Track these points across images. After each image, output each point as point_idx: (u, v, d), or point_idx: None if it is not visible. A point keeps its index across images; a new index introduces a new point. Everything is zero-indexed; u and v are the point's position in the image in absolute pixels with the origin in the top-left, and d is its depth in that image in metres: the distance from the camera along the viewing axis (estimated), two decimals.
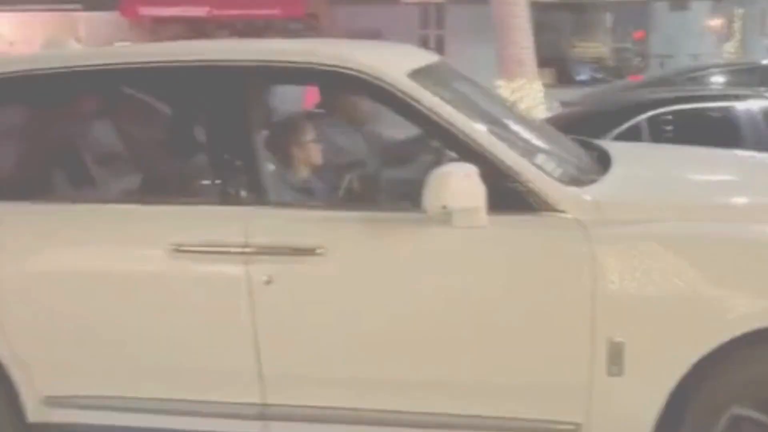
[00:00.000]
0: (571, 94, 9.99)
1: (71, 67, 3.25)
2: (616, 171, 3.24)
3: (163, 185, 3.40)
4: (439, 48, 16.22)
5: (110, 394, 3.13)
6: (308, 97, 3.96)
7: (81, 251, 3.11)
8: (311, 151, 3.47)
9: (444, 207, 2.73)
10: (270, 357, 2.99)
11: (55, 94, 3.30)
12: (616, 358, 2.76)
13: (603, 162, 3.37)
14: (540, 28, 13.82)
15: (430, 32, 17.34)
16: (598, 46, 18.05)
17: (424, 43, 15.84)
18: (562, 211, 2.83)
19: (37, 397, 3.17)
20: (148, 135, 3.66)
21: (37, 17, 18.68)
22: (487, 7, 9.88)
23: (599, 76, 16.65)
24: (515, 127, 3.44)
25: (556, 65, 15.56)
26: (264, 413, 3.04)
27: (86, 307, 3.09)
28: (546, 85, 10.17)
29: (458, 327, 2.88)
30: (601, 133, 5.41)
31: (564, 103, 7.23)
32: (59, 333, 3.12)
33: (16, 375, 3.16)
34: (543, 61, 10.62)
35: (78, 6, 19.21)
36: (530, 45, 9.74)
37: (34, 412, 3.19)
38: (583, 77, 16.77)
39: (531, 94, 9.91)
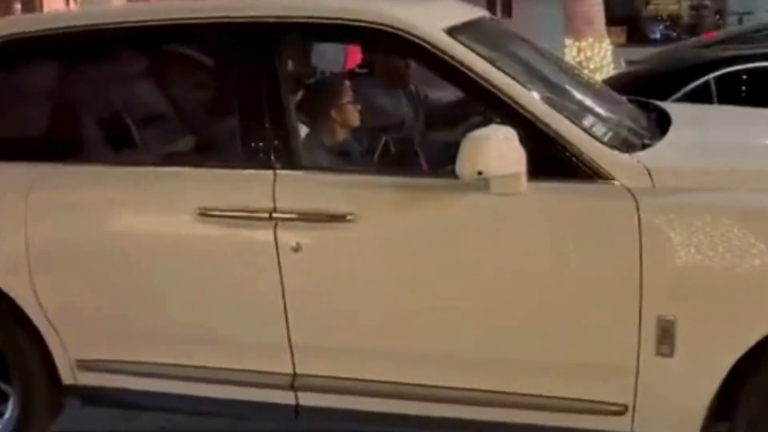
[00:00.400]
0: (642, 53, 9.60)
1: (96, 25, 3.14)
2: (674, 135, 3.01)
3: (191, 146, 3.31)
4: (506, 7, 15.84)
5: (138, 359, 3.07)
6: (350, 56, 3.79)
7: (107, 215, 3.04)
8: (348, 113, 3.31)
9: (480, 173, 2.56)
10: (298, 326, 2.88)
11: (80, 53, 3.21)
12: (666, 337, 2.57)
13: (662, 125, 3.14)
14: None
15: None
16: (672, 3, 17.37)
17: (491, 3, 15.46)
18: (610, 178, 2.64)
19: (69, 360, 3.15)
20: (175, 95, 3.55)
21: None
22: None
23: (674, 34, 16.04)
24: (565, 88, 3.23)
25: (628, 23, 15.06)
26: (295, 383, 2.94)
27: (112, 272, 3.02)
28: (617, 44, 9.83)
29: (496, 301, 2.72)
30: (668, 93, 5.11)
31: (630, 62, 6.87)
32: (87, 297, 3.07)
33: (50, 338, 3.13)
34: (615, 20, 10.28)
35: None
36: (599, 2, 9.44)
37: (67, 375, 3.17)
38: (656, 36, 16.20)
39: (599, 53, 9.62)
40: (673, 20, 17.15)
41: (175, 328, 3.02)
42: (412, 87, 3.91)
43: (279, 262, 2.83)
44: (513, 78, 2.76)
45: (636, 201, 2.58)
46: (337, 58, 3.71)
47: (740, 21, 15.29)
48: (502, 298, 2.71)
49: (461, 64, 2.75)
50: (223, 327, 2.96)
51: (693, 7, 17.42)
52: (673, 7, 17.31)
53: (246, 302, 2.93)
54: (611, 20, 9.89)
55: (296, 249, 2.81)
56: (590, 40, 9.57)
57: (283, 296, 2.85)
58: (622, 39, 13.97)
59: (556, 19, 9.71)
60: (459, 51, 2.77)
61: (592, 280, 2.62)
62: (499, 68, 2.77)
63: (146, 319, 3.03)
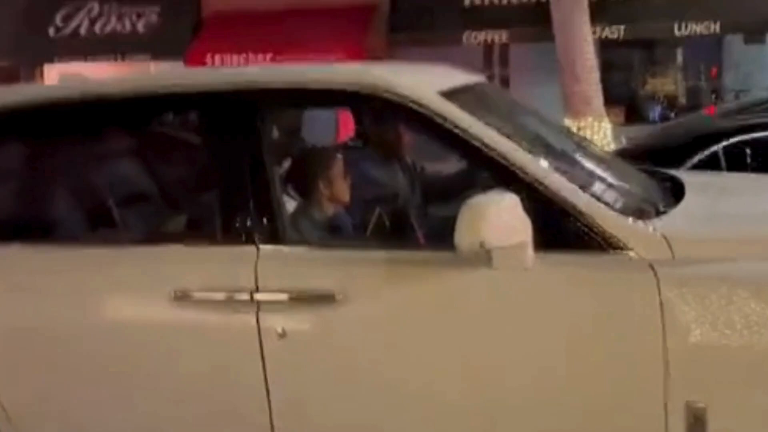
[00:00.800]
0: (641, 132, 9.54)
1: (55, 99, 2.93)
2: (690, 202, 2.76)
3: (167, 223, 3.09)
4: (504, 87, 15.86)
5: None
6: (343, 127, 3.58)
7: (72, 301, 2.76)
8: (338, 185, 3.08)
9: (481, 244, 2.30)
10: (283, 419, 2.60)
11: (45, 127, 2.98)
12: (697, 426, 2.28)
13: (676, 194, 2.92)
14: (609, 67, 13.33)
15: (494, 72, 16.98)
16: (669, 83, 17.44)
17: None
18: (625, 249, 2.38)
19: None
20: (150, 169, 3.32)
21: (109, 68, 19.03)
22: (551, 45, 9.61)
23: (671, 114, 16.02)
24: (572, 155, 3.02)
25: (625, 103, 15.04)
26: None
27: (78, 364, 2.75)
28: (615, 124, 9.73)
29: (499, 391, 2.45)
30: (674, 165, 4.90)
31: (631, 139, 6.73)
32: (51, 392, 2.79)
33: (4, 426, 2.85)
34: (613, 100, 10.21)
35: (147, 56, 19.50)
36: (597, 83, 9.41)
37: None
38: (654, 116, 16.18)
39: (599, 133, 9.51)
40: (670, 100, 17.18)
41: (149, 424, 2.73)
42: (408, 158, 3.69)
43: (262, 350, 2.56)
44: (515, 142, 2.54)
45: (655, 273, 2.32)
46: (329, 128, 3.51)
47: (737, 98, 15.30)
48: (505, 388, 2.44)
49: (458, 128, 2.53)
50: (201, 425, 2.68)
51: (689, 88, 17.48)
52: (670, 87, 17.37)
53: (226, 396, 2.65)
54: (609, 100, 9.81)
55: (282, 335, 2.54)
56: (589, 119, 9.47)
57: (267, 388, 2.59)
58: (621, 118, 13.90)
59: (554, 99, 9.61)
60: (456, 114, 2.55)
61: (609, 366, 2.36)
62: (499, 132, 2.55)
63: (117, 416, 2.75)
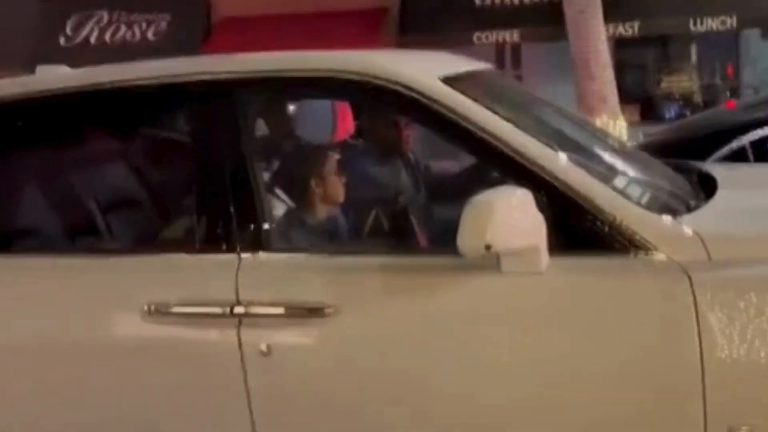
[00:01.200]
0: (657, 130, 9.28)
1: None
2: (723, 196, 2.46)
3: (140, 229, 2.79)
4: None
5: None
6: (341, 123, 3.27)
7: (37, 315, 2.49)
8: (332, 185, 2.77)
9: (488, 247, 2.00)
10: None
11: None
12: None
13: (707, 188, 2.63)
14: (623, 65, 13.02)
15: (506, 72, 16.73)
16: (685, 80, 17.12)
17: None
18: (653, 250, 2.08)
19: None
20: (119, 168, 3.00)
21: None
22: (563, 44, 9.40)
23: (687, 112, 15.70)
24: (590, 146, 2.72)
25: (640, 102, 14.73)
26: None
27: (43, 383, 2.47)
28: (630, 122, 9.42)
29: (508, 415, 2.15)
30: (696, 160, 4.59)
31: (649, 135, 6.42)
32: (12, 415, 2.50)
33: None
34: (627, 99, 9.92)
35: None
36: (612, 80, 9.16)
37: None
38: (670, 114, 15.87)
39: (614, 132, 9.23)
40: (686, 98, 16.88)
41: None
42: (409, 153, 3.38)
43: (244, 371, 2.28)
44: (527, 132, 2.24)
45: (689, 278, 2.02)
46: (324, 124, 3.19)
47: (756, 94, 15.00)
48: (515, 412, 2.14)
49: (463, 117, 2.23)
50: None
51: (706, 85, 17.17)
52: (686, 85, 17.06)
53: (206, 418, 2.37)
54: (624, 99, 9.56)
55: (266, 353, 2.25)
56: (604, 118, 9.20)
57: (250, 410, 2.31)
58: (636, 117, 13.61)
59: (568, 98, 9.31)
60: (460, 102, 2.26)
61: (638, 388, 2.06)
62: (509, 121, 2.24)
63: None
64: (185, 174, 2.60)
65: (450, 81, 2.34)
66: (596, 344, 2.07)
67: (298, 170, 2.80)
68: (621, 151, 2.89)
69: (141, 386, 2.39)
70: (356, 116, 3.26)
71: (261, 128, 2.97)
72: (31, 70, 2.96)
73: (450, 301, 2.17)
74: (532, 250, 2.05)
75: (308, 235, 2.68)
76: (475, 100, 2.28)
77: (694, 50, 17.35)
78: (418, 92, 2.26)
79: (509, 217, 2.00)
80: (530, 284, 2.09)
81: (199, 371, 2.34)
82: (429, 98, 2.25)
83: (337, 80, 2.36)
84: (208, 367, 2.33)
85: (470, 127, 2.22)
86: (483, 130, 2.20)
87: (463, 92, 2.29)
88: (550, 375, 2.10)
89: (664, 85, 16.91)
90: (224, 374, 2.31)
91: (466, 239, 2.02)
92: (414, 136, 3.28)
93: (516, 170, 2.18)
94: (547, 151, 2.21)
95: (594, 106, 9.06)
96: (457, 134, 2.26)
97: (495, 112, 2.26)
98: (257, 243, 2.36)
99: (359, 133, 3.31)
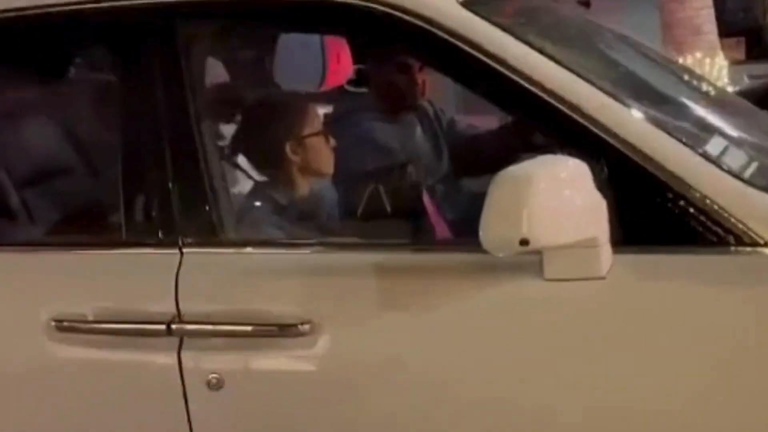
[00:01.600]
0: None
1: None
2: None
3: (45, 213, 2.28)
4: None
5: None
6: (335, 66, 2.64)
7: None
8: (316, 151, 2.25)
9: (524, 242, 1.47)
10: None
11: None
12: None
13: None
14: None
15: None
16: None
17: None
18: (760, 243, 1.55)
19: None
20: (21, 128, 2.39)
21: None
22: None
23: None
24: (672, 93, 2.16)
25: (746, 35, 13.76)
26: None
27: None
28: (733, 61, 8.59)
29: None
30: None
31: (754, 77, 5.74)
32: None
33: None
34: (729, 31, 9.12)
35: None
36: (710, 6, 8.26)
37: None
38: None
39: (711, 72, 8.47)
40: None
41: None
42: (428, 107, 2.80)
43: (187, 408, 1.80)
44: (580, 76, 1.68)
45: None
46: (310, 65, 2.58)
47: None
48: None
49: (491, 55, 1.68)
50: None
51: None
52: None
53: None
54: (725, 31, 8.68)
55: (216, 385, 1.77)
56: (698, 54, 8.40)
57: None
58: (740, 54, 12.58)
59: (650, 29, 8.49)
60: (489, 33, 1.70)
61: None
62: (555, 60, 1.69)
63: None
64: (107, 138, 2.06)
65: (475, 5, 1.78)
66: (679, 377, 1.54)
67: (267, 130, 2.24)
68: (719, 102, 2.34)
69: (49, 423, 1.92)
70: (354, 55, 2.64)
71: (216, 72, 2.39)
72: None
73: (470, 317, 1.64)
74: (588, 247, 1.52)
75: (280, 221, 2.12)
76: (510, 32, 1.73)
77: None
78: (435, 22, 1.71)
79: (555, 198, 1.47)
80: (584, 295, 1.57)
81: (125, 408, 1.86)
82: (447, 30, 1.71)
83: (328, 4, 1.82)
84: (137, 402, 1.85)
85: (501, 68, 1.68)
86: (520, 73, 1.66)
87: (494, 21, 1.74)
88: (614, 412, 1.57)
89: None
90: (159, 412, 1.83)
91: (493, 230, 1.49)
92: (433, 82, 2.66)
93: (566, 130, 1.64)
94: (612, 102, 1.65)
95: (685, 40, 8.29)
96: (485, 79, 1.72)
97: (537, 49, 1.71)
98: (206, 233, 1.84)
99: (358, 78, 2.70)
